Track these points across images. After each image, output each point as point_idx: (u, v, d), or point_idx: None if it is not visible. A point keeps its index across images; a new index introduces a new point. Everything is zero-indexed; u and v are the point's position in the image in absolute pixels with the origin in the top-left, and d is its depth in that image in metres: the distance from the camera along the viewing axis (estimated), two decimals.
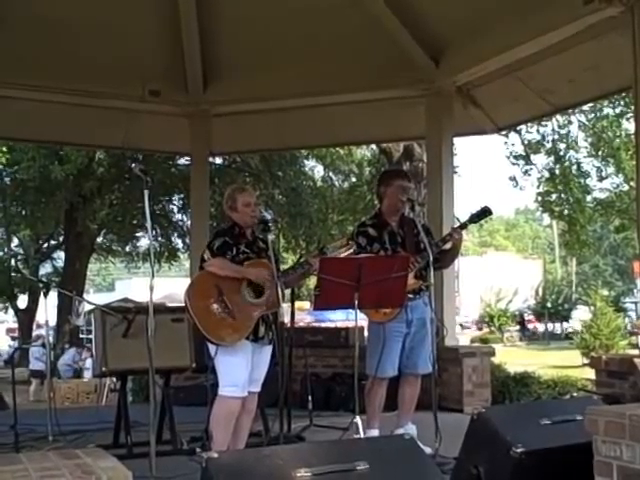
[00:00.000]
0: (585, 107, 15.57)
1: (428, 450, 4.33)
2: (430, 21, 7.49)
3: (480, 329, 40.74)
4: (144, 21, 7.80)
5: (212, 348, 4.64)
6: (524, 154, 17.26)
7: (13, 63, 7.37)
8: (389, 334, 5.21)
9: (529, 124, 15.26)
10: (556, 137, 17.13)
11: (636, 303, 41.89)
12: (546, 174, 17.36)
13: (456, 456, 3.80)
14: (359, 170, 20.10)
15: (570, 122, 17.11)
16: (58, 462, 2.63)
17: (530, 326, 42.43)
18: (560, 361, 21.82)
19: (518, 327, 41.02)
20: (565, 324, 40.43)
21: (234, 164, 19.16)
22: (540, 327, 42.25)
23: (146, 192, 4.54)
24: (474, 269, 48.69)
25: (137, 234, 21.98)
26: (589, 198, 18.11)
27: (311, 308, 23.23)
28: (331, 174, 20.99)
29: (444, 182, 7.79)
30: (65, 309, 20.10)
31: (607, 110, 16.83)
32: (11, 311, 27.50)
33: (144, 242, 22.35)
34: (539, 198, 17.95)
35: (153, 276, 4.44)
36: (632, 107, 8.47)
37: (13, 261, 23.78)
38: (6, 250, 23.60)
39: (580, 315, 32.38)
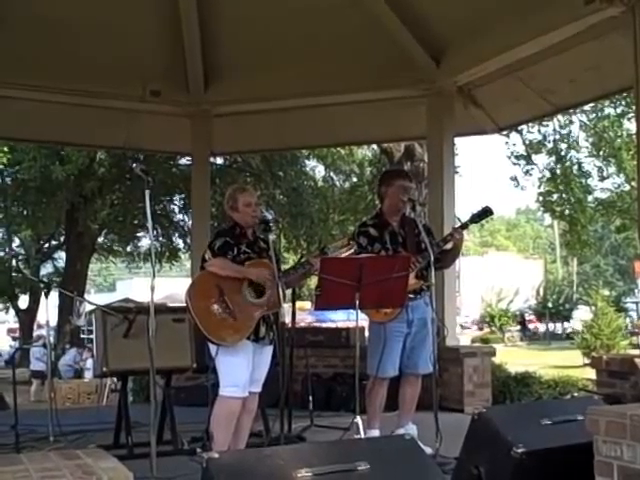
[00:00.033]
0: (586, 107, 15.57)
1: (429, 450, 4.33)
2: (431, 21, 7.49)
3: (481, 329, 40.74)
4: (144, 21, 7.80)
5: (213, 348, 4.64)
6: (525, 154, 17.25)
7: (13, 63, 7.37)
8: (390, 334, 5.21)
9: (530, 124, 15.26)
10: (557, 137, 17.12)
11: (637, 303, 41.83)
12: (547, 174, 17.35)
13: (457, 456, 3.79)
14: (360, 170, 20.10)
15: (571, 122, 17.11)
16: (59, 462, 2.63)
17: (531, 326, 42.45)
18: (561, 361, 21.81)
19: (519, 327, 41.03)
20: (566, 324, 40.42)
21: (235, 164, 19.17)
22: (541, 327, 42.27)
23: (147, 192, 4.54)
24: (475, 269, 48.70)
25: (138, 234, 22.01)
26: (590, 198, 18.11)
27: (312, 308, 23.25)
28: (332, 174, 20.99)
29: (445, 182, 7.79)
30: (66, 309, 20.11)
31: (608, 110, 16.83)
32: (12, 311, 27.55)
33: (145, 242, 22.41)
34: (540, 198, 17.94)
35: (154, 276, 4.45)
36: (633, 107, 8.44)
37: (14, 261, 23.82)
38: (7, 250, 23.63)
39: (581, 315, 32.36)
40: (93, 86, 7.80)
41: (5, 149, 17.65)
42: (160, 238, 20.77)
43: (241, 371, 4.60)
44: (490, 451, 3.44)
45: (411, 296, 5.20)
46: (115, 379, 9.50)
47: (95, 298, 29.85)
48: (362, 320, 5.16)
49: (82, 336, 21.21)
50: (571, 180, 17.11)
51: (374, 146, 16.46)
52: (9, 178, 19.82)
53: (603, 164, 17.80)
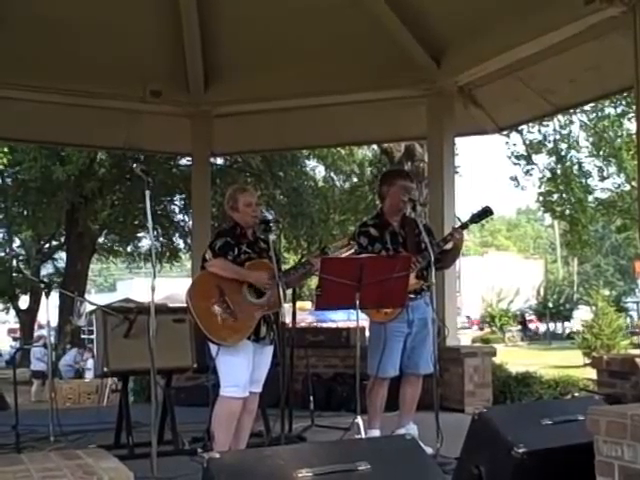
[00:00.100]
0: (586, 107, 15.57)
1: (429, 450, 4.33)
2: (431, 21, 7.49)
3: (481, 329, 40.75)
4: (144, 21, 7.80)
5: (213, 348, 4.64)
6: (525, 154, 17.25)
7: (13, 63, 7.37)
8: (390, 334, 5.21)
9: (530, 124, 15.26)
10: (557, 137, 17.13)
11: (637, 303, 41.87)
12: (547, 174, 17.36)
13: (457, 456, 3.79)
14: (360, 170, 20.11)
15: (571, 122, 17.11)
16: (59, 462, 2.63)
17: (531, 326, 42.45)
18: (561, 361, 21.80)
19: (519, 327, 41.01)
20: (566, 324, 40.42)
21: (235, 164, 19.16)
22: (541, 327, 42.27)
23: (147, 192, 4.54)
24: (475, 269, 48.73)
25: (138, 234, 22.02)
26: (591, 198, 18.11)
27: (312, 308, 23.26)
28: (332, 174, 21.00)
29: (445, 182, 7.79)
30: (67, 309, 20.10)
31: (608, 110, 16.83)
32: (13, 312, 27.53)
33: (145, 242, 22.41)
34: (540, 198, 17.94)
35: (154, 276, 4.46)
36: (633, 107, 8.44)
37: (15, 261, 23.82)
38: (8, 250, 23.63)
39: (581, 315, 32.33)
40: (93, 86, 7.80)
41: (5, 149, 17.65)
42: (160, 238, 20.77)
43: (242, 371, 4.60)
44: (491, 451, 3.44)
45: (411, 296, 5.20)
46: (116, 379, 9.50)
47: (96, 298, 29.83)
48: (362, 320, 5.16)
49: (83, 336, 21.21)
50: (571, 180, 17.11)
51: (374, 146, 16.46)
52: (10, 178, 19.84)
53: (603, 164, 17.80)
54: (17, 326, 30.39)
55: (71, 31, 7.55)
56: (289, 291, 5.35)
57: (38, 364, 17.01)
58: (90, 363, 15.82)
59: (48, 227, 21.19)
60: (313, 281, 6.77)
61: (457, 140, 8.70)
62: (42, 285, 15.08)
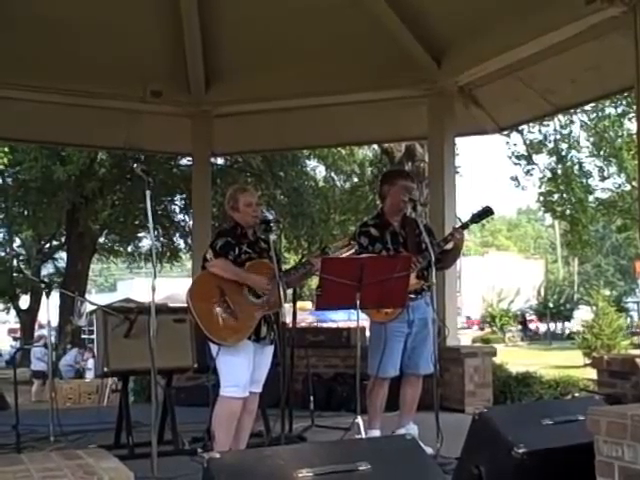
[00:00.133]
0: (587, 107, 15.57)
1: (430, 450, 4.33)
2: (432, 21, 7.49)
3: (482, 329, 40.74)
4: (145, 21, 7.80)
5: (214, 348, 4.64)
6: (526, 154, 17.26)
7: (13, 63, 7.37)
8: (390, 334, 5.20)
9: (531, 124, 15.26)
10: (558, 137, 17.13)
11: (638, 303, 41.87)
12: (548, 174, 17.37)
13: (458, 456, 3.80)
14: (361, 170, 20.10)
15: (572, 122, 17.13)
16: (60, 462, 2.63)
17: (532, 326, 42.44)
18: (562, 361, 21.79)
19: (520, 327, 41.01)
20: (567, 324, 40.42)
21: (236, 164, 19.16)
22: (542, 327, 42.25)
23: (148, 192, 4.54)
24: (476, 269, 48.75)
25: (139, 234, 22.02)
26: (591, 198, 18.12)
27: (313, 308, 23.25)
28: (333, 174, 20.99)
29: (446, 182, 7.79)
30: (67, 309, 20.08)
31: (609, 110, 16.84)
32: (13, 311, 27.54)
33: (146, 242, 22.42)
34: (541, 198, 17.96)
35: (155, 276, 4.46)
36: (634, 107, 8.43)
37: (15, 261, 23.82)
38: (8, 250, 23.64)
39: (582, 315, 32.33)
40: (93, 86, 7.80)
41: (6, 149, 17.66)
42: (161, 238, 20.77)
43: (242, 371, 4.60)
44: (491, 451, 3.44)
45: (412, 296, 5.20)
46: (116, 379, 9.49)
47: (96, 298, 29.87)
48: (363, 320, 5.16)
49: (83, 336, 21.24)
50: (572, 180, 17.12)
51: (375, 146, 16.46)
52: (10, 178, 19.83)
53: (604, 164, 17.82)
54: (17, 326, 30.41)
55: (71, 31, 7.55)
56: (289, 291, 5.35)
57: (38, 364, 17.00)
58: (90, 363, 15.82)
59: (48, 227, 21.20)
60: (313, 281, 6.77)
61: (457, 140, 8.71)
62: (42, 285, 15.13)
